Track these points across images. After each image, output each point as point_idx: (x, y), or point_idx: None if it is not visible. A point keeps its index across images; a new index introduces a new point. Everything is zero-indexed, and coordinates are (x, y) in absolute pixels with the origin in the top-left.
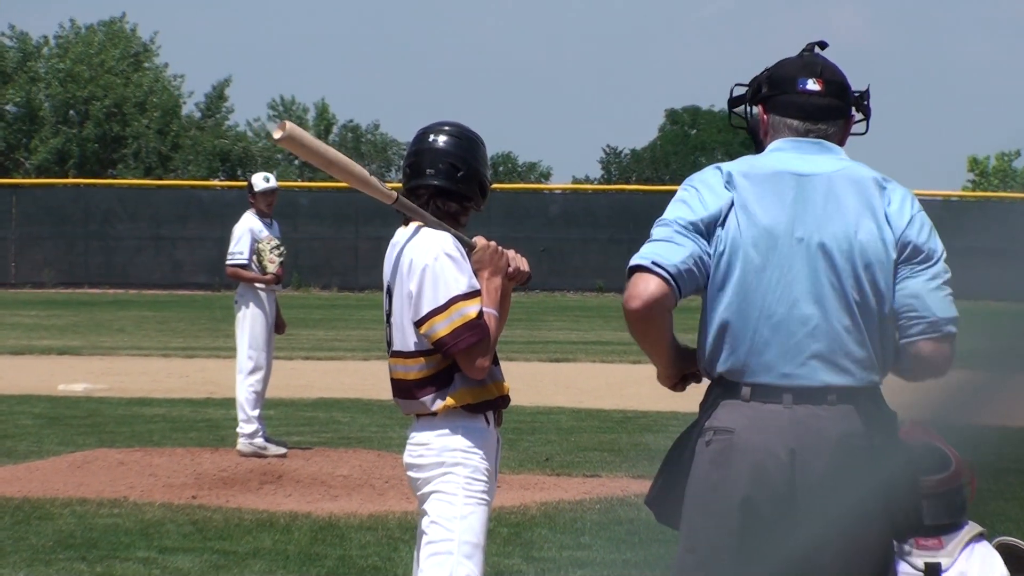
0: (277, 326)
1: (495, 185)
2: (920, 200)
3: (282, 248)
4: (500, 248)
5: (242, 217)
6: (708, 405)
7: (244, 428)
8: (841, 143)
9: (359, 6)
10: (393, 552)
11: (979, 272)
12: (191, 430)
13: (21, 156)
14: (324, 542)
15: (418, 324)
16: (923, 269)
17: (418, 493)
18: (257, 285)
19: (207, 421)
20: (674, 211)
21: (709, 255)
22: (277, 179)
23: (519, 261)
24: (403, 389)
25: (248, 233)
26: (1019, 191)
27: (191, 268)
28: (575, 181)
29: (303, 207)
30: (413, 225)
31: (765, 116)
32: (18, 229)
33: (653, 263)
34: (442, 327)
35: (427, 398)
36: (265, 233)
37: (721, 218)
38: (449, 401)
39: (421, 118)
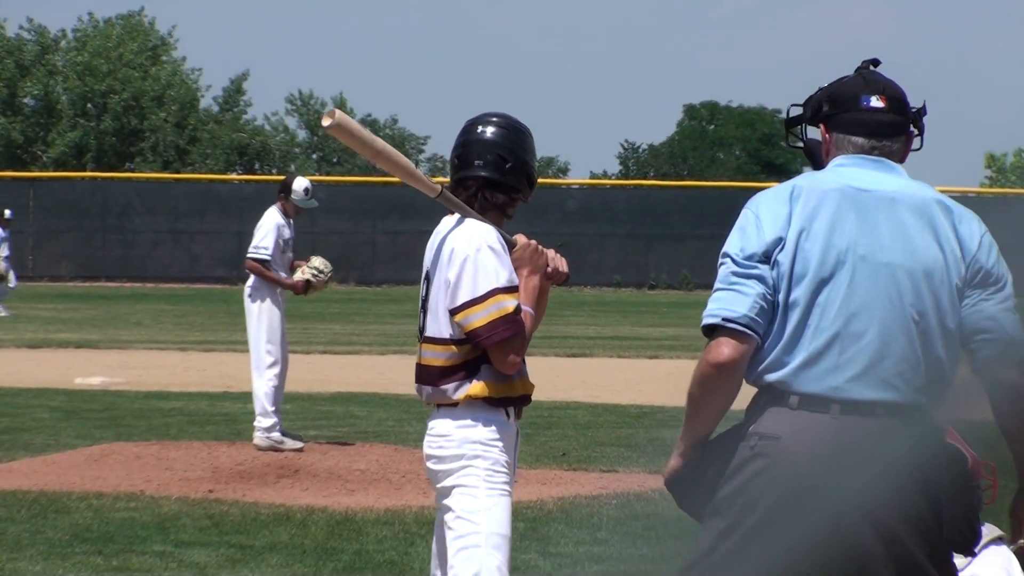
0: None
1: None
2: None
3: (327, 274)
4: (540, 247)
5: (268, 212)
6: (754, 411)
7: (262, 422)
8: (902, 160)
9: (377, 0)
10: (410, 547)
11: None
12: (208, 424)
13: (39, 149)
14: (341, 536)
15: (454, 312)
16: (995, 292)
17: (437, 486)
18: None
19: (224, 415)
20: (733, 243)
21: (773, 281)
22: (295, 172)
23: (558, 261)
24: (428, 376)
25: (276, 229)
26: None
27: (209, 262)
28: (593, 176)
29: (321, 201)
30: (458, 215)
31: (828, 135)
32: (36, 222)
33: (724, 320)
34: (478, 318)
35: (450, 386)
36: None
37: (783, 238)
38: (472, 391)
39: (439, 112)
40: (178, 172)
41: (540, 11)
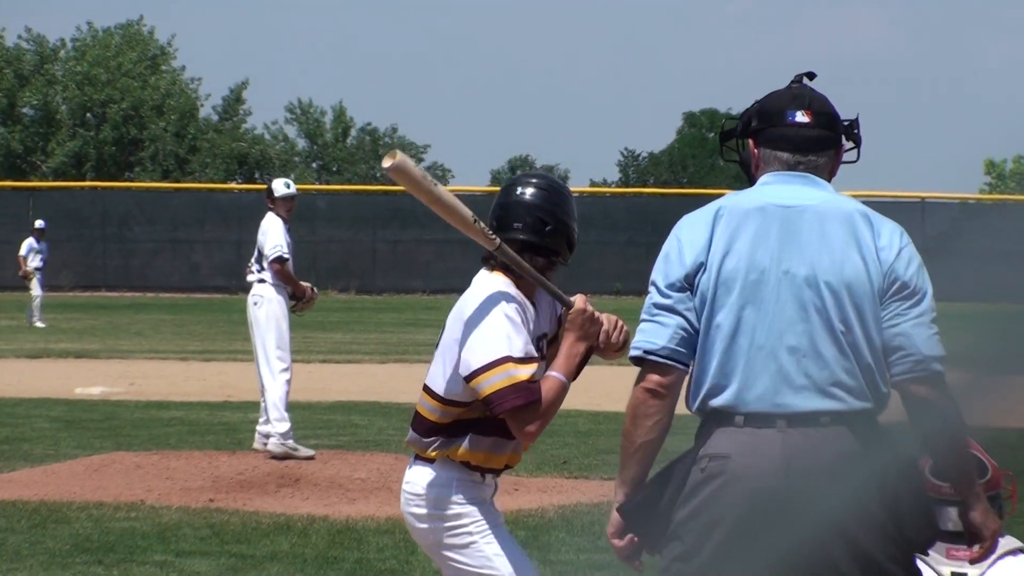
0: None
1: None
2: (936, 203)
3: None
4: (597, 315)
5: (268, 217)
6: (702, 435)
7: (279, 427)
8: (832, 173)
9: (376, 9)
10: (411, 555)
11: (996, 274)
12: (208, 433)
13: (38, 159)
14: (342, 545)
15: (467, 379)
16: (910, 307)
17: (423, 545)
18: (276, 287)
19: (224, 424)
20: (658, 272)
21: (695, 307)
22: (295, 182)
23: (615, 332)
24: (418, 423)
25: (282, 227)
26: None
27: (208, 271)
28: (593, 184)
29: (321, 210)
30: (485, 273)
31: (756, 150)
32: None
33: (646, 352)
34: (488, 384)
35: (431, 439)
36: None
37: (704, 262)
38: (449, 452)
39: (439, 121)
40: (178, 181)
41: (540, 20)
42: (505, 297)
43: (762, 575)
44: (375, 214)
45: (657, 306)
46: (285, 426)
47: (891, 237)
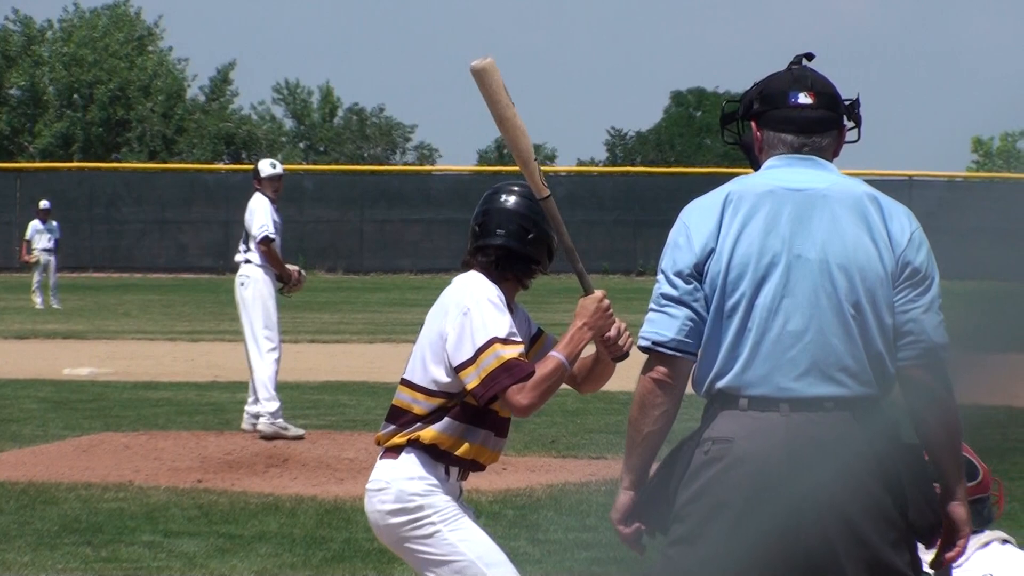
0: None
1: (500, 168)
2: (924, 181)
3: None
4: (612, 312)
5: (255, 197)
6: (707, 418)
7: (268, 406)
8: (835, 154)
9: None
10: None
11: (983, 252)
12: (196, 414)
13: (25, 140)
14: (330, 525)
15: (457, 370)
16: (922, 293)
17: (387, 541)
18: (263, 268)
19: (212, 405)
20: (666, 260)
21: (704, 294)
22: (282, 163)
23: (623, 335)
24: (393, 415)
25: (269, 207)
26: (1023, 172)
27: (196, 252)
28: (580, 163)
29: (308, 190)
30: (464, 273)
31: (759, 133)
32: (23, 213)
33: (654, 344)
34: (473, 378)
35: (404, 426)
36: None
37: (714, 247)
38: (421, 433)
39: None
40: (165, 162)
41: None
42: (485, 287)
43: (762, 558)
44: (362, 194)
45: (666, 296)
46: (274, 405)
47: (902, 221)
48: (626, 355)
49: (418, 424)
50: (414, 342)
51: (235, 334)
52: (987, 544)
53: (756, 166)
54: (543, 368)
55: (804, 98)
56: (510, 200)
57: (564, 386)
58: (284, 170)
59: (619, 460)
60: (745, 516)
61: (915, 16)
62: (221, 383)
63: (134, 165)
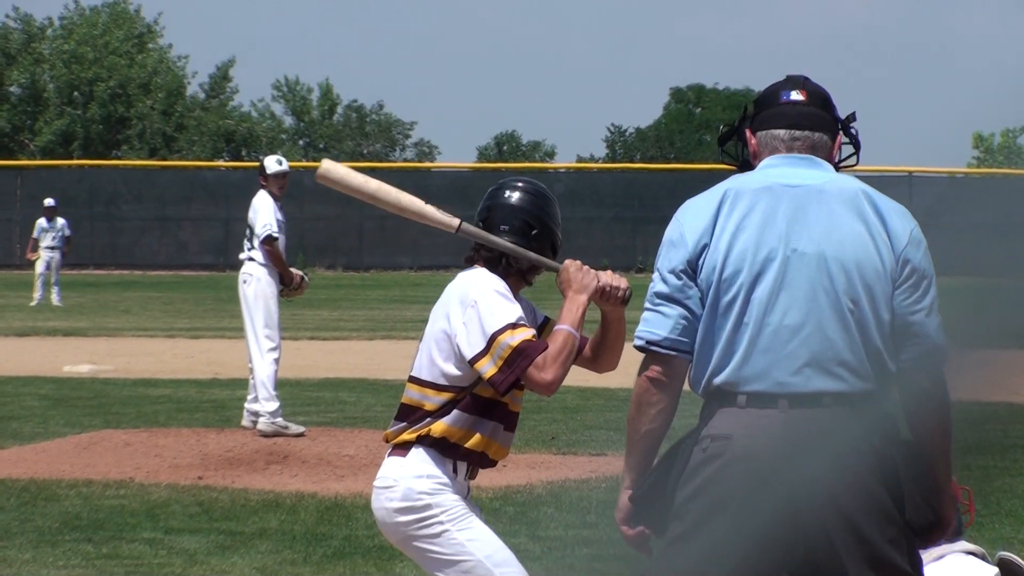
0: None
1: (500, 164)
2: (925, 177)
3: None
4: (587, 267)
5: (259, 195)
6: (706, 415)
7: (267, 406)
8: (830, 161)
9: None
10: None
11: (984, 248)
12: (197, 411)
13: (26, 138)
14: (330, 522)
15: (472, 362)
16: (923, 294)
17: (394, 539)
18: (266, 267)
19: (212, 401)
20: (661, 259)
21: (698, 292)
22: (263, 155)
23: (612, 279)
24: (402, 413)
25: (273, 207)
26: None
27: (196, 249)
28: (580, 160)
29: (308, 187)
30: (468, 269)
31: (754, 138)
32: (23, 211)
33: (648, 343)
34: (488, 368)
35: (414, 422)
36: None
37: (708, 243)
38: (432, 428)
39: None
40: (165, 159)
41: None
42: (490, 279)
43: (762, 555)
44: None
45: (659, 295)
46: (274, 405)
47: (901, 218)
48: (629, 295)
49: (428, 419)
50: (416, 339)
51: (235, 331)
52: (941, 557)
53: None
54: (554, 343)
55: (796, 95)
56: (514, 196)
57: (564, 385)
58: (290, 168)
59: (619, 456)
60: (744, 513)
61: (915, 11)
62: (221, 380)
63: (134, 162)
